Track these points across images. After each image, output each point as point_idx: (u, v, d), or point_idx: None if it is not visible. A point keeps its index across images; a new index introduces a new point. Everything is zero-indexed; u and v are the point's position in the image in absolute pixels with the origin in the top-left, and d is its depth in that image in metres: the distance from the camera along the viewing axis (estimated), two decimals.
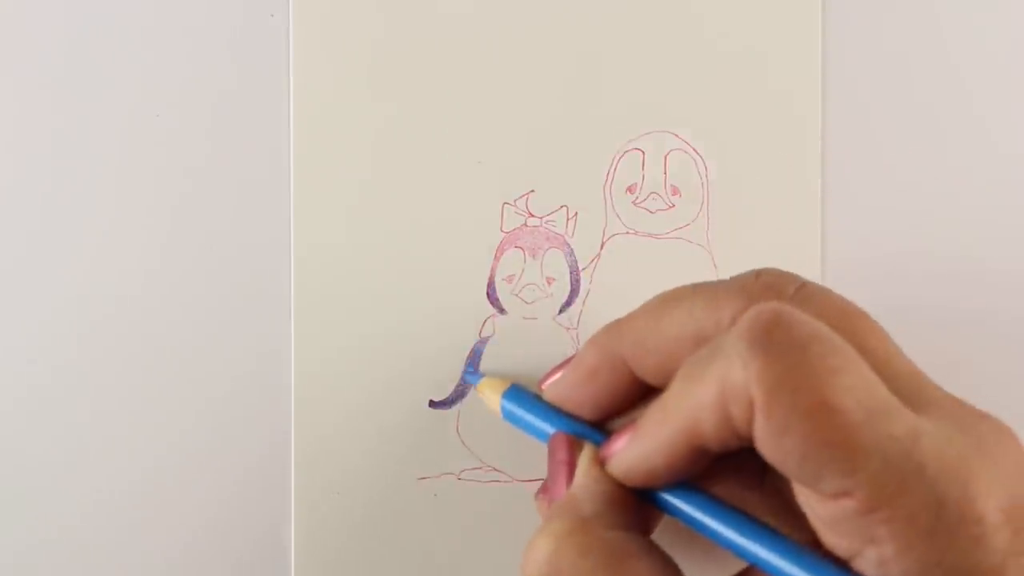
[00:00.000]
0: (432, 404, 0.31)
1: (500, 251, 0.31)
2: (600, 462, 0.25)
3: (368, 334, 0.31)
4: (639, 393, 0.26)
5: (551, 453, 0.26)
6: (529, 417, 0.28)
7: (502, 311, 0.31)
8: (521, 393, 0.29)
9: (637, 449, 0.23)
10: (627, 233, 0.31)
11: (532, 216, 0.31)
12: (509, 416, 0.29)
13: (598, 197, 0.31)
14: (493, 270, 0.31)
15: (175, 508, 0.31)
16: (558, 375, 0.28)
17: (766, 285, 0.24)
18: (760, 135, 0.31)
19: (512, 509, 0.31)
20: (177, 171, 0.31)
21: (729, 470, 0.24)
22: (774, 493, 0.24)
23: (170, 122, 0.31)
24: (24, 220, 0.31)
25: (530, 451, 0.31)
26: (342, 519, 0.31)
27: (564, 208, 0.31)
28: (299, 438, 0.31)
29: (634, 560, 0.22)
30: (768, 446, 0.20)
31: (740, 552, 0.23)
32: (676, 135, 0.31)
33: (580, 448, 0.26)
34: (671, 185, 0.31)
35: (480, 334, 0.31)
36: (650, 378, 0.25)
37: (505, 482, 0.31)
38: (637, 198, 0.31)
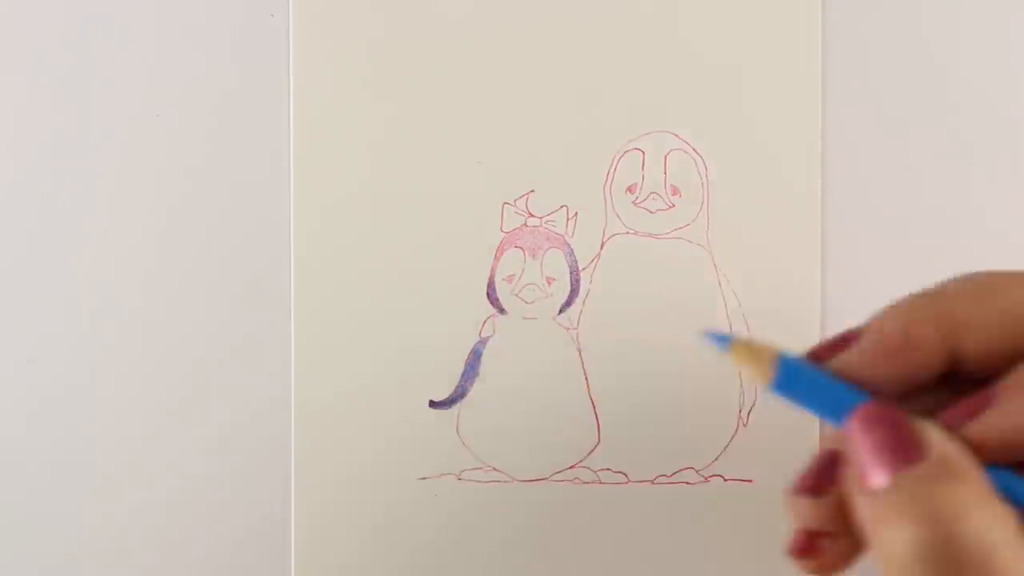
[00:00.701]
0: (432, 404, 0.31)
1: (500, 251, 0.31)
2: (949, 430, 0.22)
3: (368, 334, 0.31)
4: (942, 373, 0.23)
5: (866, 427, 0.22)
6: (816, 396, 0.23)
7: (502, 311, 0.31)
8: (797, 366, 0.24)
9: (1009, 422, 0.21)
10: (627, 233, 0.31)
11: (532, 216, 0.31)
12: (784, 392, 0.24)
13: (598, 197, 0.31)
14: (493, 270, 0.31)
15: (175, 508, 0.31)
16: (851, 348, 0.24)
17: None
18: (760, 135, 0.31)
19: (512, 509, 0.31)
20: (177, 171, 0.31)
21: None
22: None
23: (170, 122, 0.31)
24: (24, 219, 0.31)
25: (530, 451, 0.31)
26: (342, 519, 0.31)
27: (564, 208, 0.31)
28: (299, 438, 0.31)
29: (1010, 519, 0.20)
30: None
31: None
32: (676, 135, 0.31)
33: (907, 418, 0.22)
34: (671, 185, 0.31)
35: (480, 334, 0.31)
36: (972, 358, 0.23)
37: (505, 482, 0.31)
38: (637, 198, 0.31)
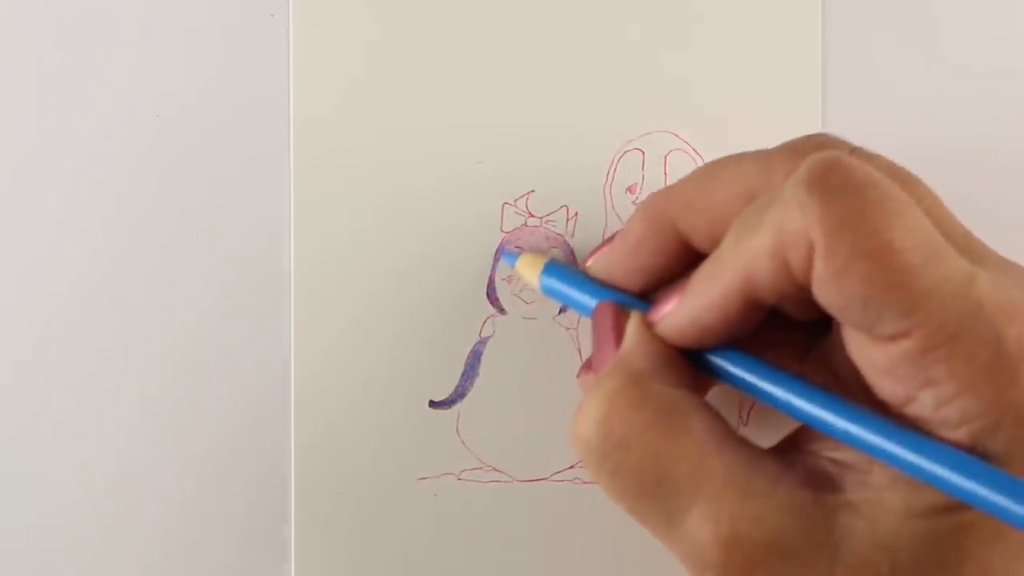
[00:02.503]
0: (432, 404, 0.31)
1: (500, 251, 0.31)
2: (649, 326, 0.24)
3: (368, 334, 0.31)
4: (686, 262, 0.25)
5: (596, 323, 0.26)
6: (570, 290, 0.27)
7: (502, 311, 0.31)
8: (561, 267, 0.28)
9: (689, 307, 0.23)
10: None
11: (532, 216, 0.31)
12: (549, 291, 0.28)
13: (598, 197, 0.31)
14: (493, 270, 0.31)
15: (176, 507, 0.31)
16: (604, 249, 0.27)
17: (818, 144, 0.23)
18: (760, 136, 0.31)
19: (512, 509, 0.31)
20: (176, 171, 0.31)
21: (774, 344, 0.24)
22: (820, 366, 0.24)
23: (170, 122, 0.31)
24: (23, 219, 0.31)
25: (530, 451, 0.31)
26: (342, 519, 0.31)
27: (564, 208, 0.31)
28: (299, 438, 0.31)
29: (689, 415, 0.22)
30: (826, 289, 0.20)
31: (793, 411, 0.22)
32: (676, 135, 0.31)
33: (627, 316, 0.25)
34: None
35: (480, 334, 0.31)
36: (699, 242, 0.25)
37: (505, 482, 0.31)
38: (637, 198, 0.31)
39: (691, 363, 0.24)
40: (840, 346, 0.22)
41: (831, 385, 0.23)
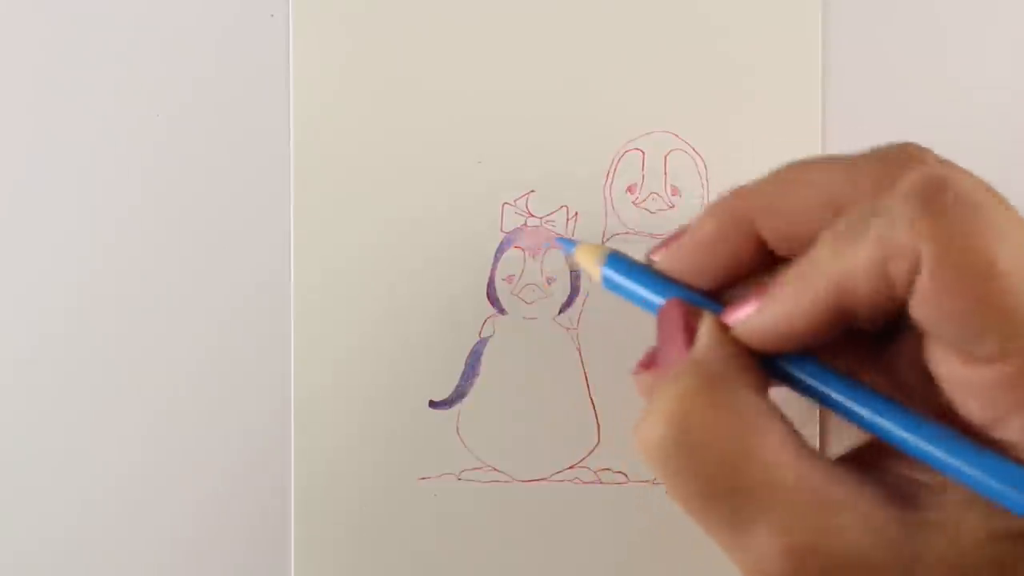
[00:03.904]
0: (432, 404, 0.31)
1: (500, 251, 0.31)
2: (725, 327, 0.23)
3: (368, 334, 0.31)
4: (758, 263, 0.25)
5: (664, 321, 0.25)
6: (635, 285, 0.25)
7: (502, 311, 0.31)
8: (625, 260, 0.26)
9: (774, 311, 0.22)
10: (627, 233, 0.31)
11: (532, 216, 0.31)
12: (611, 285, 0.26)
13: (598, 197, 0.31)
14: (493, 270, 0.31)
15: (175, 508, 0.31)
16: (672, 244, 0.26)
17: (909, 156, 0.23)
18: (760, 135, 0.31)
19: (512, 509, 0.31)
20: (176, 171, 0.31)
21: (837, 350, 0.24)
22: (883, 374, 0.24)
23: (170, 122, 0.31)
24: (23, 219, 0.31)
25: (530, 451, 0.31)
26: (342, 519, 0.31)
27: (564, 208, 0.31)
28: (299, 438, 0.31)
29: (767, 422, 0.22)
30: (928, 305, 0.20)
31: (870, 426, 0.22)
32: (676, 135, 0.31)
33: (698, 315, 0.24)
34: (671, 185, 0.31)
35: (480, 334, 0.31)
36: (776, 244, 0.24)
37: (505, 482, 0.31)
38: (637, 198, 0.31)
39: (763, 368, 0.23)
40: (907, 356, 0.22)
41: (894, 394, 0.23)
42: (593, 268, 0.26)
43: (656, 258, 0.26)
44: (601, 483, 0.31)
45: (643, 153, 0.31)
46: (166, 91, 0.31)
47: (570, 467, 0.31)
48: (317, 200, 0.31)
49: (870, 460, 0.23)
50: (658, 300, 0.25)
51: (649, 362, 0.25)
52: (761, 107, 0.31)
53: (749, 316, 0.23)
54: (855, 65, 0.32)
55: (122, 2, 0.31)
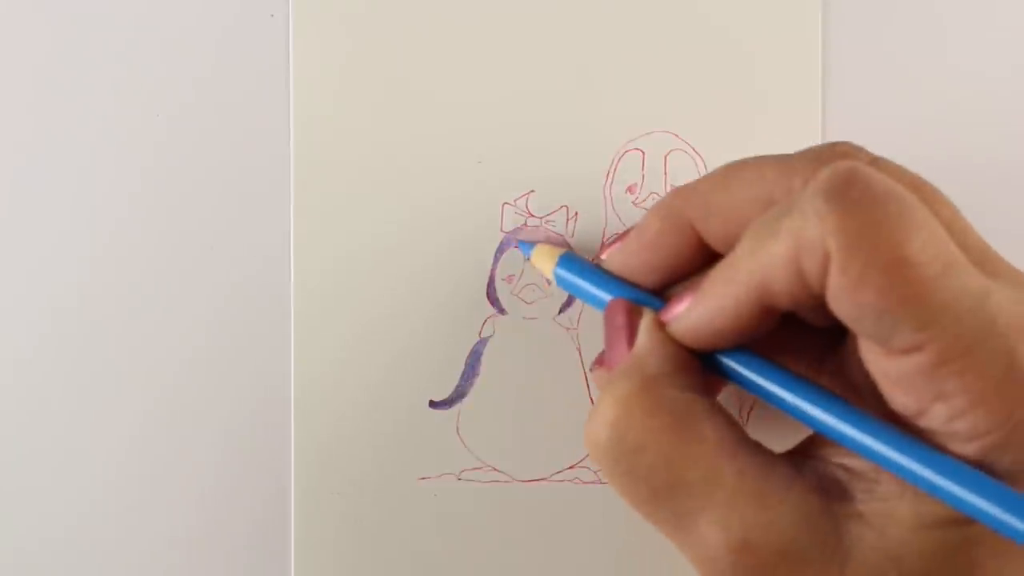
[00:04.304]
0: (432, 404, 0.31)
1: (500, 251, 0.31)
2: (662, 326, 0.24)
3: (368, 334, 0.31)
4: (701, 260, 0.25)
5: (609, 319, 0.26)
6: (585, 284, 0.27)
7: (502, 311, 0.31)
8: (577, 260, 0.28)
9: (702, 309, 0.23)
10: None
11: (532, 216, 0.31)
12: (563, 283, 0.28)
13: (598, 197, 0.31)
14: (493, 270, 0.31)
15: (175, 508, 0.31)
16: (619, 244, 0.27)
17: (840, 154, 0.23)
18: (760, 135, 0.31)
19: (512, 509, 0.31)
20: (177, 171, 0.31)
21: (790, 348, 0.24)
22: (835, 373, 0.24)
23: (170, 122, 0.31)
24: (23, 219, 0.31)
25: (530, 451, 0.31)
26: (342, 519, 0.31)
27: (564, 208, 0.31)
28: (299, 438, 0.31)
29: (703, 420, 0.22)
30: (841, 300, 0.20)
31: (804, 418, 0.22)
32: (676, 135, 0.31)
33: (640, 314, 0.25)
34: (671, 185, 0.31)
35: (480, 334, 0.31)
36: (715, 242, 0.25)
37: (505, 482, 0.31)
38: (637, 198, 0.31)
39: (703, 364, 0.24)
40: (855, 354, 0.22)
41: (845, 392, 0.23)
42: (547, 267, 0.28)
43: (604, 257, 0.27)
44: (601, 483, 0.31)
45: (643, 153, 0.31)
46: (166, 91, 0.31)
47: (570, 467, 0.31)
48: (317, 200, 0.31)
49: (808, 451, 0.23)
50: (604, 297, 0.26)
51: (602, 359, 0.26)
52: (761, 107, 0.31)
53: (680, 314, 0.24)
54: (855, 65, 0.32)
55: (122, 2, 0.31)
